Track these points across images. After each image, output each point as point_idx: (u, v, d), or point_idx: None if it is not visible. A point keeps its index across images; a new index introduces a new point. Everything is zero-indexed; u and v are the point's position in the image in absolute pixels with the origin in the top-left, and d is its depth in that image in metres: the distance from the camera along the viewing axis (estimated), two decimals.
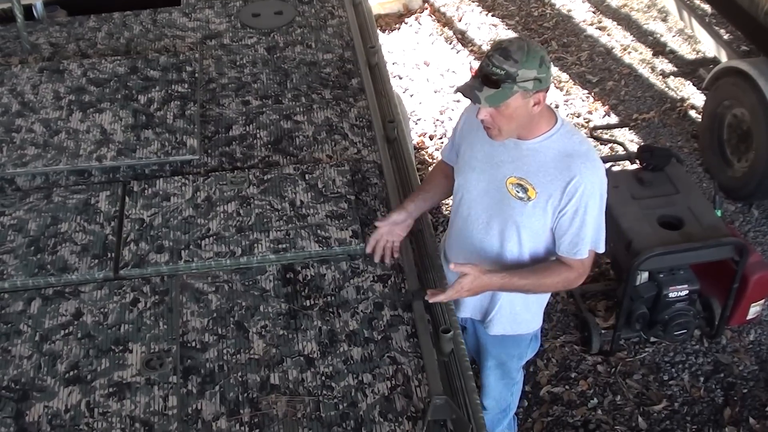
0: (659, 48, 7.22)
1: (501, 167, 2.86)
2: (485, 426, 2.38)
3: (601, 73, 6.96)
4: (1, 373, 2.61)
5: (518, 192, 2.82)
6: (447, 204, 5.25)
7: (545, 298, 3.23)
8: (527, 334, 3.30)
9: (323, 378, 2.59)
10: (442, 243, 3.36)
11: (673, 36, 7.34)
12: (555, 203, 2.79)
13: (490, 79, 2.62)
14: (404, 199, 3.08)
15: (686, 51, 7.16)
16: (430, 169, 4.32)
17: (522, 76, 2.60)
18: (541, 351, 4.59)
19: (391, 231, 2.93)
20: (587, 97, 6.70)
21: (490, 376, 3.49)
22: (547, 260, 2.97)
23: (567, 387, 4.48)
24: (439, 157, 3.36)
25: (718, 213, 4.46)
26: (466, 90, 2.67)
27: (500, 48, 2.63)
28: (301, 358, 2.65)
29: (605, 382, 4.49)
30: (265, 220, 3.07)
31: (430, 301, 2.72)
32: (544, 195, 2.78)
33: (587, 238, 2.83)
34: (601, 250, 2.91)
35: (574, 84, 6.84)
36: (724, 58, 5.90)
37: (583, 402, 4.40)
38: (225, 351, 2.67)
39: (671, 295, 4.31)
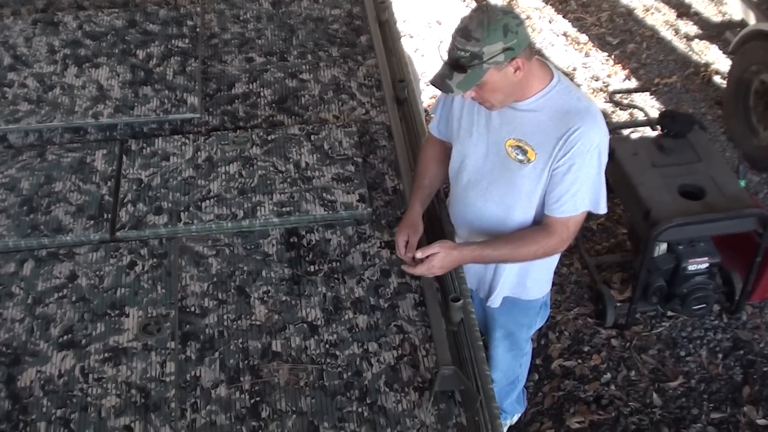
0: (683, 9, 7.17)
1: (499, 130, 2.85)
2: (495, 398, 2.39)
3: (622, 35, 6.92)
4: None
5: (518, 154, 2.81)
6: None
7: (552, 262, 3.23)
8: (535, 300, 3.30)
9: (327, 346, 2.60)
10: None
11: None
12: (551, 160, 2.77)
13: (458, 64, 2.60)
14: (409, 202, 3.01)
15: (712, 13, 7.12)
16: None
17: (488, 53, 2.56)
18: (553, 323, 4.61)
19: (415, 231, 2.88)
20: (607, 60, 6.66)
21: (498, 347, 3.50)
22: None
23: (579, 361, 4.49)
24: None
25: (742, 183, 4.44)
26: (437, 81, 2.66)
27: (461, 29, 2.60)
28: (305, 325, 2.66)
29: (619, 357, 4.50)
30: (268, 182, 3.07)
31: (406, 271, 2.75)
32: (544, 155, 2.77)
33: (576, 196, 2.78)
34: (602, 210, 2.87)
35: (594, 46, 6.81)
36: (752, 20, 5.85)
37: (595, 377, 4.41)
38: (225, 317, 2.68)
39: (690, 267, 4.30)
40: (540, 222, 2.92)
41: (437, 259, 2.71)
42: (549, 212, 2.84)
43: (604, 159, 2.79)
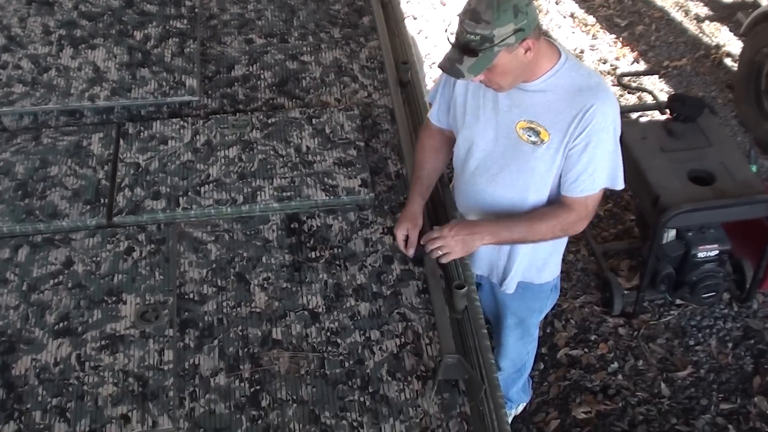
0: None
1: (508, 113, 2.83)
2: (499, 387, 2.39)
3: (631, 17, 6.90)
4: None
5: (530, 136, 2.79)
6: None
7: (563, 243, 3.23)
8: (547, 283, 3.30)
9: (328, 334, 2.60)
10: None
11: None
12: (567, 139, 2.76)
13: (468, 48, 2.57)
14: (409, 194, 2.99)
15: None
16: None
17: (499, 36, 2.54)
18: (559, 312, 4.61)
19: (415, 225, 2.87)
20: (615, 42, 6.65)
21: (509, 336, 3.50)
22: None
23: (586, 350, 4.49)
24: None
25: (753, 168, 4.43)
26: (446, 65, 2.64)
27: (469, 11, 2.57)
28: (306, 313, 2.66)
29: (627, 346, 4.50)
30: (268, 166, 3.07)
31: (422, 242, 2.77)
32: (558, 135, 2.75)
33: (594, 174, 2.78)
34: (620, 186, 2.86)
35: (601, 28, 6.79)
36: (764, 1, 5.84)
37: (602, 366, 4.41)
38: (224, 304, 2.69)
39: (700, 255, 4.30)
40: (555, 203, 2.92)
41: (453, 229, 2.72)
42: (567, 192, 2.84)
43: (619, 133, 2.80)
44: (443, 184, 3.07)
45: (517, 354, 3.61)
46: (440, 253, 2.74)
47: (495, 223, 2.87)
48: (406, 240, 2.83)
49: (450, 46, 2.65)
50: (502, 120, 2.84)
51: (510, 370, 3.68)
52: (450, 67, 2.62)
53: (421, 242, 2.77)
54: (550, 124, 2.76)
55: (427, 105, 3.30)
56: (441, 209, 3.01)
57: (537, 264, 3.18)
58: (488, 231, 2.83)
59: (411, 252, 2.82)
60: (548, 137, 2.77)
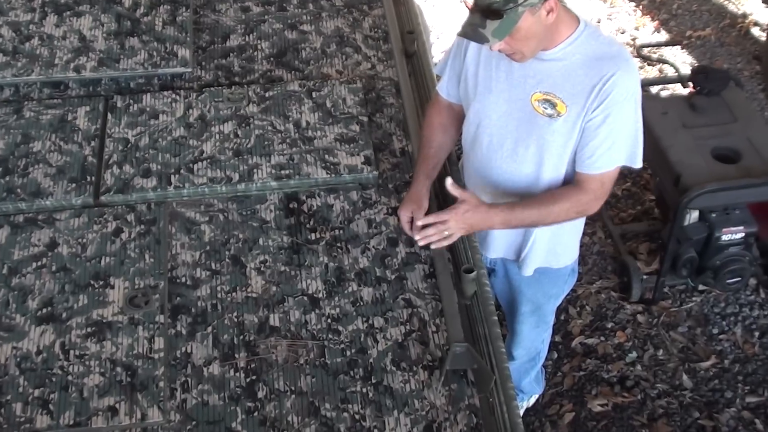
0: None
1: (523, 84, 2.81)
2: (511, 377, 2.38)
3: None
4: None
5: (546, 108, 2.77)
6: None
7: (581, 225, 3.21)
8: (565, 267, 3.30)
9: (329, 321, 2.60)
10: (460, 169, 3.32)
11: None
12: (585, 111, 2.73)
13: (490, 10, 2.54)
14: (414, 174, 2.98)
15: None
16: None
17: None
18: (573, 297, 4.61)
19: (419, 207, 2.86)
20: (634, 11, 6.62)
21: (524, 323, 3.50)
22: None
23: (602, 338, 4.49)
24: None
25: None
26: (469, 32, 2.60)
27: None
28: (305, 298, 2.66)
29: (646, 334, 4.50)
30: (266, 142, 3.07)
31: (418, 223, 2.75)
32: (576, 107, 2.73)
33: (612, 149, 2.76)
34: (638, 165, 2.84)
35: None
36: None
37: (620, 356, 4.41)
38: (219, 288, 2.68)
39: (724, 237, 4.28)
40: (570, 181, 2.90)
41: (461, 208, 2.70)
42: (582, 169, 2.82)
43: (640, 107, 2.77)
44: (451, 162, 3.06)
45: (532, 342, 3.61)
46: (439, 237, 2.73)
47: (506, 208, 2.83)
48: (412, 222, 2.82)
49: (468, 12, 2.62)
50: (516, 92, 2.81)
51: (524, 358, 3.68)
52: (473, 32, 2.58)
53: (419, 223, 2.75)
54: (567, 96, 2.73)
55: (434, 78, 3.28)
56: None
57: (556, 248, 3.17)
58: (499, 218, 2.81)
59: (417, 236, 2.80)
60: (565, 109, 2.74)
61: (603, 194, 2.86)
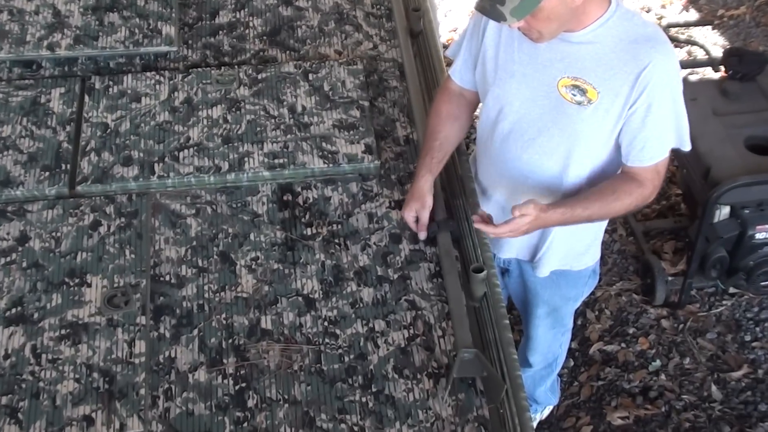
0: None
1: (549, 68, 2.80)
2: (524, 386, 2.38)
3: None
4: None
5: (575, 95, 2.77)
6: None
7: (604, 223, 3.22)
8: (586, 269, 3.30)
9: (326, 323, 2.60)
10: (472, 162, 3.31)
11: None
12: (622, 101, 2.73)
13: None
14: (416, 169, 2.97)
15: None
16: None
17: None
18: (592, 300, 4.62)
19: (423, 205, 2.85)
20: None
21: (539, 326, 3.51)
22: (611, 178, 2.93)
23: (623, 345, 4.50)
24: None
25: None
26: (485, 6, 2.57)
27: None
28: (300, 299, 2.66)
29: (671, 341, 4.51)
30: (258, 128, 3.07)
31: (476, 226, 2.71)
32: (609, 94, 2.73)
33: (662, 137, 2.78)
34: (687, 147, 2.87)
35: None
36: None
37: (642, 364, 4.42)
38: (206, 287, 2.69)
39: (758, 236, 4.29)
40: (595, 178, 2.91)
41: (525, 221, 2.70)
42: (634, 162, 2.82)
43: (681, 89, 2.79)
44: (460, 152, 3.05)
45: (548, 347, 3.62)
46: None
47: (567, 210, 2.80)
48: (417, 220, 2.82)
49: None
50: (542, 76, 2.80)
51: (540, 365, 3.69)
52: (490, 8, 2.56)
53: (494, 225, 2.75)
54: (599, 82, 2.72)
55: (442, 59, 3.28)
56: (457, 182, 2.98)
57: (578, 249, 3.18)
58: (556, 219, 2.80)
59: (423, 235, 2.81)
60: (596, 97, 2.74)
61: (660, 183, 2.89)
